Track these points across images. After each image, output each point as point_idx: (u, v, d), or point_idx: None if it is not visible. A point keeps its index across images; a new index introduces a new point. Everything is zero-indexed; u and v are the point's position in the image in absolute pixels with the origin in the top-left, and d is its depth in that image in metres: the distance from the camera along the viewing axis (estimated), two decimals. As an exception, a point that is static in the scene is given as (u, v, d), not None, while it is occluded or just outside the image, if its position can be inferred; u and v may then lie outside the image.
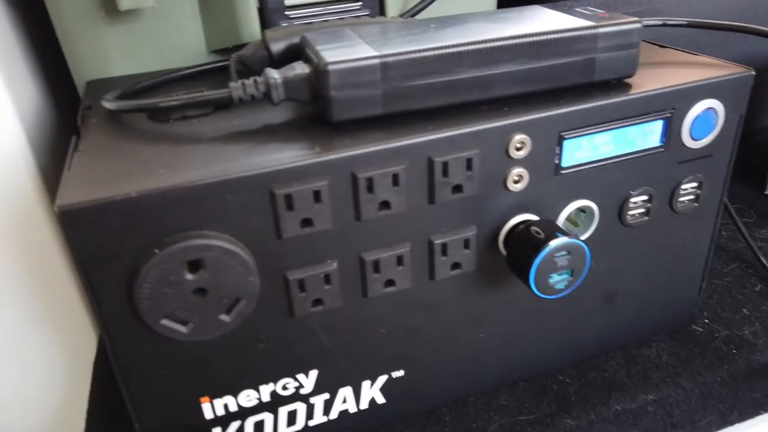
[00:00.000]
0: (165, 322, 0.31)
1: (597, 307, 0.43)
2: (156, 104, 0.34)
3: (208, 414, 0.35)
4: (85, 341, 0.51)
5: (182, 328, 0.31)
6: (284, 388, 0.37)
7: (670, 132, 0.38)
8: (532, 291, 0.35)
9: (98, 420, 0.44)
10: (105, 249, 0.29)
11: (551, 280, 0.35)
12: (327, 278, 0.34)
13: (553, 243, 0.34)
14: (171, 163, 0.31)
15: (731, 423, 0.48)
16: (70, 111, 0.61)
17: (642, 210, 0.40)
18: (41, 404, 0.52)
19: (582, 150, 0.36)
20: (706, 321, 0.50)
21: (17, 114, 0.43)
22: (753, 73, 0.39)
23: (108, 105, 0.36)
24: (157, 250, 0.29)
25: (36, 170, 0.45)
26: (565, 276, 0.35)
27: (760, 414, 0.48)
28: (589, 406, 0.43)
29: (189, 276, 0.30)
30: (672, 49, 0.44)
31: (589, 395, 0.44)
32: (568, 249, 0.34)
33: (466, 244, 0.36)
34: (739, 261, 0.57)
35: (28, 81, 0.49)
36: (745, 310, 0.51)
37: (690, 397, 0.45)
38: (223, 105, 0.38)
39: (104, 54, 0.46)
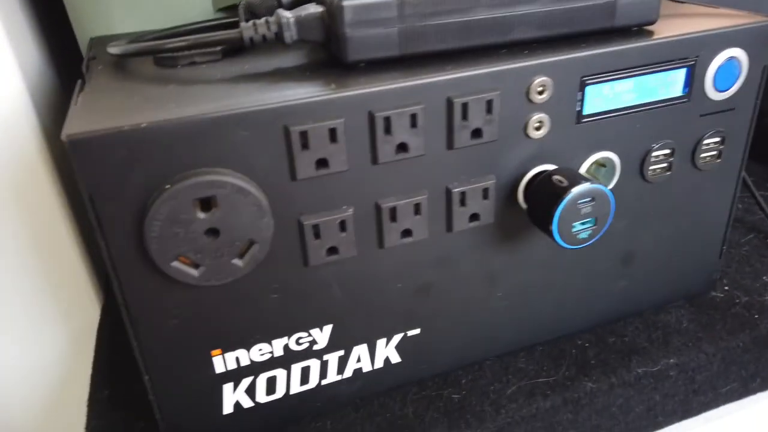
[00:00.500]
0: (176, 264, 0.30)
1: (615, 268, 0.42)
2: (163, 45, 0.33)
3: (219, 368, 0.34)
4: (89, 309, 0.50)
5: (194, 272, 0.30)
6: (298, 342, 0.36)
7: (693, 81, 0.37)
8: (555, 241, 0.34)
9: (102, 384, 0.43)
10: (114, 183, 0.27)
11: (574, 229, 0.34)
12: (342, 225, 0.33)
13: (577, 189, 0.33)
14: (181, 99, 0.30)
15: (753, 391, 0.46)
16: (70, 74, 0.60)
17: (663, 165, 0.39)
18: (46, 372, 0.51)
19: (604, 98, 0.35)
20: (726, 288, 0.49)
21: (21, 73, 0.42)
22: (777, 21, 0.38)
23: (113, 50, 0.35)
24: (167, 186, 0.28)
25: (39, 130, 0.44)
26: (588, 225, 0.34)
27: (783, 382, 0.47)
28: (609, 369, 0.42)
29: (201, 215, 0.29)
30: (691, 4, 0.43)
31: (609, 359, 0.43)
32: (592, 195, 0.33)
33: (485, 194, 0.35)
34: (756, 232, 0.56)
35: (29, 40, 0.48)
36: (765, 278, 0.49)
37: (712, 363, 0.43)
38: (233, 51, 0.37)
39: (108, 10, 0.45)
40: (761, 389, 0.46)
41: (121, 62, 0.37)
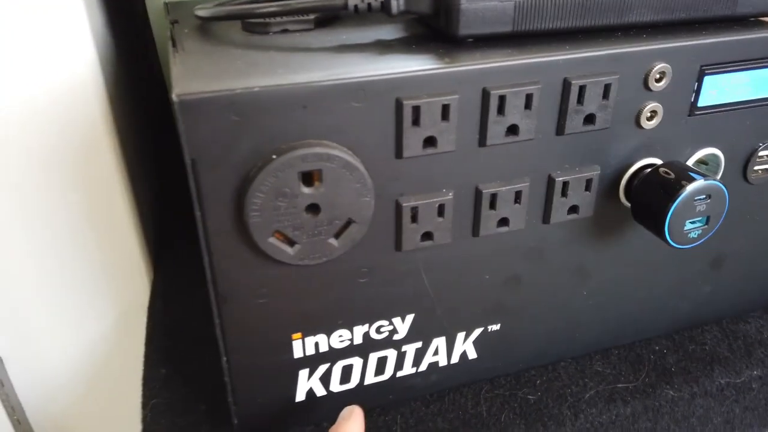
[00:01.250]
0: (273, 240, 0.28)
1: (704, 272, 0.40)
2: (256, 9, 0.31)
3: (298, 352, 0.32)
4: (139, 285, 0.49)
5: (289, 249, 0.28)
6: (378, 331, 0.34)
7: (810, 79, 0.35)
8: (665, 239, 0.32)
9: (158, 363, 0.41)
10: (219, 149, 0.26)
11: (686, 228, 0.32)
12: (441, 209, 0.31)
13: (695, 185, 0.31)
14: (288, 65, 0.28)
15: (832, 409, 0.44)
16: (130, 41, 0.58)
17: (767, 166, 0.37)
18: (94, 347, 0.49)
19: (719, 89, 0.33)
20: (807, 300, 0.46)
21: (93, 40, 0.40)
22: None
23: (202, 12, 0.33)
24: (274, 156, 0.26)
25: (105, 98, 0.42)
26: (699, 224, 0.32)
27: None
28: (691, 378, 0.40)
29: (305, 189, 0.27)
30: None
31: (690, 367, 0.41)
32: (709, 192, 0.31)
33: (588, 185, 0.33)
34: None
35: (95, 6, 0.46)
36: None
37: (796, 377, 0.41)
38: (325, 20, 0.35)
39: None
40: (841, 408, 0.44)
41: (206, 26, 0.35)
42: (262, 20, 0.33)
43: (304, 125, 0.26)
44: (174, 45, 0.32)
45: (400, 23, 0.35)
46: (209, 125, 0.25)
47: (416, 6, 0.31)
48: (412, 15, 0.32)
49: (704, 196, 0.31)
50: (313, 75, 0.26)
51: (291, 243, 0.28)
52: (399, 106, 0.27)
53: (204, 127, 0.25)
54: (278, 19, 0.33)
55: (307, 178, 0.27)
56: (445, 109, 0.28)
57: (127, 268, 0.48)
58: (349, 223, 0.29)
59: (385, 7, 0.31)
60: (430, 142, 0.29)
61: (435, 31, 0.32)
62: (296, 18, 0.34)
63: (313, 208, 0.28)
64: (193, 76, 0.26)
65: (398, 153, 0.28)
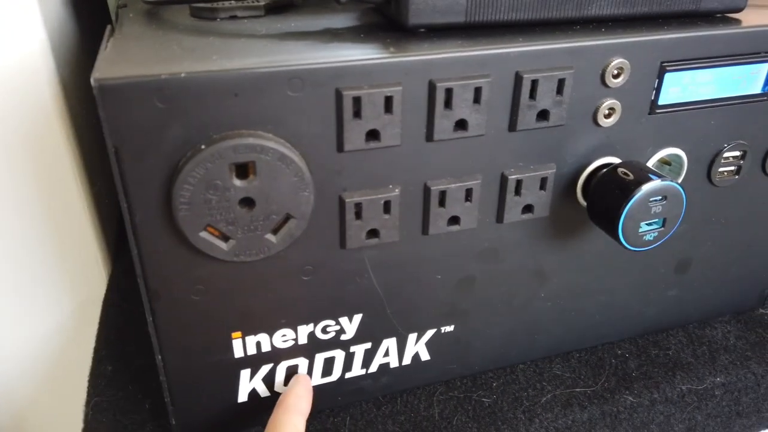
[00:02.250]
0: (204, 235, 0.27)
1: (668, 276, 0.39)
2: (206, -6, 0.30)
3: (239, 352, 0.31)
4: (96, 278, 0.47)
5: (223, 245, 0.27)
6: (324, 331, 0.33)
7: (777, 79, 0.34)
8: (618, 241, 0.31)
9: (106, 359, 0.40)
10: (144, 137, 0.24)
11: (641, 230, 0.31)
12: (387, 206, 0.29)
13: (650, 185, 0.30)
14: (224, 51, 0.26)
15: (798, 417, 0.43)
16: (93, 27, 0.57)
17: (732, 168, 0.36)
18: (48, 341, 0.48)
19: (681, 87, 0.32)
20: (775, 305, 0.46)
21: (43, 22, 0.39)
22: None
23: (149, -4, 0.32)
24: (203, 146, 0.25)
25: (57, 82, 0.40)
26: (656, 226, 0.31)
27: (830, 410, 0.44)
28: (652, 383, 0.39)
29: (237, 182, 0.26)
30: (773, -5, 0.40)
31: (652, 372, 0.40)
32: (665, 193, 0.30)
33: (543, 184, 0.32)
34: (805, 248, 0.52)
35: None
36: (817, 298, 0.46)
37: (760, 384, 0.40)
38: (276, 8, 0.33)
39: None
40: (806, 416, 0.43)
41: (155, 12, 0.34)
42: (209, 6, 0.32)
43: (237, 114, 0.25)
44: (111, 29, 0.30)
45: (356, 12, 0.34)
46: (133, 112, 0.24)
47: (366, -6, 0.30)
48: (365, 4, 0.31)
49: (660, 198, 0.30)
50: (246, 62, 0.25)
51: (225, 238, 0.27)
52: (339, 96, 0.26)
53: (127, 114, 0.24)
54: (227, 4, 0.32)
55: (242, 171, 0.26)
56: (388, 101, 0.27)
57: (84, 260, 0.47)
58: (287, 218, 0.28)
59: (334, -6, 0.29)
60: (373, 135, 0.27)
61: (389, 21, 0.31)
62: (246, 4, 0.32)
63: (248, 202, 0.26)
64: (119, 60, 0.25)
65: (339, 146, 0.27)
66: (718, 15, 0.33)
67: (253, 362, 0.32)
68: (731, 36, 0.32)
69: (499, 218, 0.32)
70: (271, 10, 0.33)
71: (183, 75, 0.24)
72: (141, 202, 0.25)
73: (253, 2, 0.33)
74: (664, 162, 0.35)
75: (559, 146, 0.31)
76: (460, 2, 0.29)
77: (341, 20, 0.32)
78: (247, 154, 0.25)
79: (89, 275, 0.47)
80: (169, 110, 0.24)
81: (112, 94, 0.23)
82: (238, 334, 0.31)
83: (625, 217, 0.30)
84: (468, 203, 0.31)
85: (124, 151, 0.24)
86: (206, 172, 0.25)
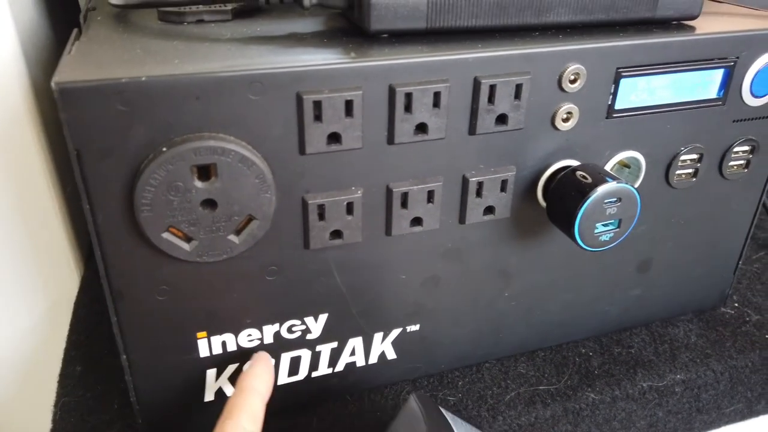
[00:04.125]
0: (167, 236, 0.27)
1: (630, 276, 0.40)
2: (171, -2, 0.31)
3: (204, 351, 0.32)
4: (68, 279, 0.47)
5: (185, 246, 0.27)
6: (290, 330, 0.33)
7: (730, 84, 0.35)
8: (575, 241, 0.31)
9: (76, 359, 0.40)
10: (105, 140, 0.25)
11: (596, 230, 0.31)
12: (349, 207, 0.30)
13: (604, 187, 0.30)
14: (187, 55, 0.27)
15: (757, 413, 0.45)
16: (67, 29, 0.57)
17: (690, 171, 0.37)
18: (19, 343, 0.48)
19: (638, 92, 0.33)
20: (736, 304, 0.47)
21: (14, 23, 0.39)
22: (823, 28, 0.35)
23: (116, 0, 0.32)
24: (165, 148, 0.25)
25: (28, 84, 0.41)
26: (611, 227, 0.32)
27: (788, 406, 0.45)
28: (613, 381, 0.40)
29: (198, 183, 0.26)
30: (732, 4, 0.41)
31: (614, 370, 0.40)
32: (619, 195, 0.31)
33: (503, 186, 0.33)
34: (767, 249, 0.54)
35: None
36: (776, 297, 0.48)
37: (719, 381, 0.41)
38: (244, 12, 0.34)
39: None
40: (765, 411, 0.45)
41: (123, 15, 0.34)
42: (177, 9, 0.33)
43: (199, 117, 0.26)
44: (78, 32, 0.31)
45: (322, 17, 0.34)
46: (94, 115, 0.24)
47: (329, 0, 0.30)
48: (331, 9, 0.31)
49: (615, 199, 0.31)
50: (207, 66, 0.25)
51: (188, 239, 0.27)
52: (300, 100, 0.27)
53: (88, 117, 0.24)
54: (194, 8, 0.33)
55: (204, 173, 0.26)
56: (349, 104, 0.27)
57: (56, 262, 0.47)
58: (249, 219, 0.28)
59: (298, 0, 0.30)
60: (334, 138, 0.28)
61: (353, 26, 0.32)
62: (213, 8, 0.33)
63: (210, 204, 0.27)
64: (82, 63, 0.25)
65: (301, 149, 0.28)
66: (674, 22, 0.34)
67: (219, 362, 0.32)
68: (685, 43, 0.33)
69: (462, 219, 0.33)
70: (239, 14, 0.34)
71: (144, 78, 0.24)
72: (103, 204, 0.26)
73: (220, 7, 0.33)
74: (623, 165, 0.36)
75: (519, 149, 0.32)
76: (421, 9, 0.29)
77: (307, 25, 0.33)
78: (208, 156, 0.26)
79: (61, 277, 0.47)
80: (130, 113, 0.24)
81: (73, 97, 0.24)
82: (204, 333, 0.31)
83: (580, 218, 0.30)
84: (430, 205, 0.32)
85: (85, 153, 0.25)
86: (167, 174, 0.25)
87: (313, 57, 0.27)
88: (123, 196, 0.26)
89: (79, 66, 0.25)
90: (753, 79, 0.35)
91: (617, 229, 0.32)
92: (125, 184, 0.26)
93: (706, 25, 0.34)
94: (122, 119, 0.24)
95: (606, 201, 0.31)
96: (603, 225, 0.32)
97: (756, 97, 0.36)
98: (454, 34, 0.31)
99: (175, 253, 0.27)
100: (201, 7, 0.33)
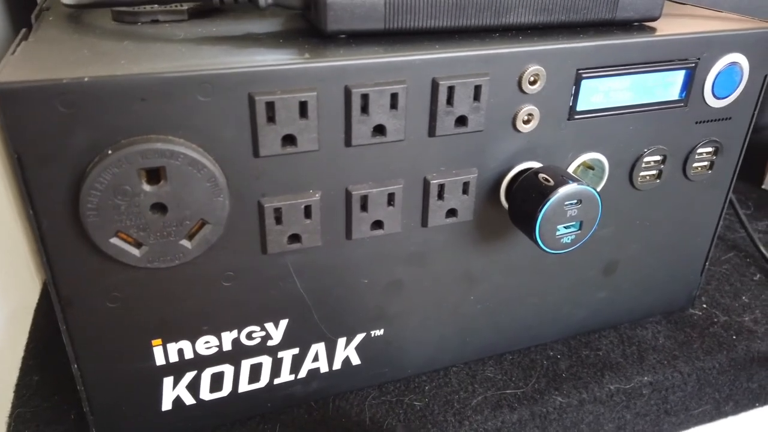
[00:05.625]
0: (115, 241, 0.26)
1: (596, 278, 0.40)
2: (123, -3, 0.30)
3: (160, 359, 0.31)
4: (28, 286, 0.46)
5: (135, 251, 0.27)
6: (249, 337, 0.32)
7: (692, 85, 0.35)
8: (536, 243, 0.31)
9: (33, 369, 0.39)
10: (48, 143, 0.24)
11: (558, 233, 0.31)
12: (307, 211, 0.30)
13: (564, 189, 0.30)
14: (136, 55, 0.26)
15: (725, 414, 0.45)
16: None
17: (654, 172, 0.37)
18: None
19: (599, 94, 0.33)
20: (704, 306, 0.47)
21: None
22: (783, 29, 0.36)
23: (68, 0, 0.31)
24: (110, 151, 0.24)
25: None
26: (573, 229, 0.32)
27: (756, 407, 0.45)
28: (581, 384, 0.39)
29: (146, 187, 0.25)
30: (694, 5, 0.41)
31: (581, 373, 0.40)
32: (580, 197, 0.31)
33: (465, 188, 0.32)
34: (736, 250, 0.54)
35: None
36: (744, 298, 0.48)
37: (686, 383, 0.41)
38: (200, 12, 0.33)
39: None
40: (734, 413, 0.45)
41: (77, 15, 0.33)
42: (130, 10, 0.32)
43: (146, 119, 0.25)
44: (27, 32, 0.30)
45: (281, 18, 0.34)
46: (35, 117, 0.23)
47: (286, 0, 0.30)
48: (290, 9, 0.31)
49: (575, 201, 0.31)
50: (155, 66, 0.25)
51: (138, 244, 0.27)
52: (252, 101, 0.26)
53: (29, 120, 0.23)
54: (149, 8, 0.32)
55: (153, 175, 0.26)
56: (303, 106, 0.27)
57: (16, 268, 0.46)
58: (202, 223, 0.27)
59: (253, 0, 0.29)
60: (289, 140, 0.28)
61: (312, 27, 0.31)
62: (168, 8, 0.32)
63: (160, 208, 0.26)
64: (24, 64, 0.25)
65: (255, 151, 0.27)
66: (635, 24, 0.34)
67: (176, 370, 0.32)
68: (646, 44, 0.33)
69: (424, 222, 0.33)
70: (196, 14, 0.33)
71: (86, 79, 0.23)
72: (47, 209, 0.25)
73: (176, 6, 0.33)
74: (588, 166, 0.36)
75: (481, 151, 0.32)
76: (379, 9, 0.29)
77: (264, 25, 0.32)
78: (155, 160, 0.25)
79: (21, 283, 0.46)
80: (73, 115, 0.24)
81: (12, 98, 0.23)
82: (159, 341, 0.30)
83: (541, 220, 0.30)
84: (391, 208, 0.31)
85: (26, 157, 0.24)
86: (113, 178, 0.25)
87: (266, 57, 0.27)
88: (68, 201, 0.25)
89: (20, 67, 0.24)
90: (715, 81, 0.35)
91: (579, 231, 0.32)
92: (70, 188, 0.25)
93: (668, 27, 0.34)
94: (64, 121, 0.24)
95: (567, 203, 0.30)
96: (564, 227, 0.31)
97: (718, 98, 0.36)
98: (413, 35, 0.30)
99: (125, 259, 0.27)
100: (156, 7, 0.32)
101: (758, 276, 0.51)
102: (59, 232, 0.26)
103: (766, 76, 0.37)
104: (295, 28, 0.32)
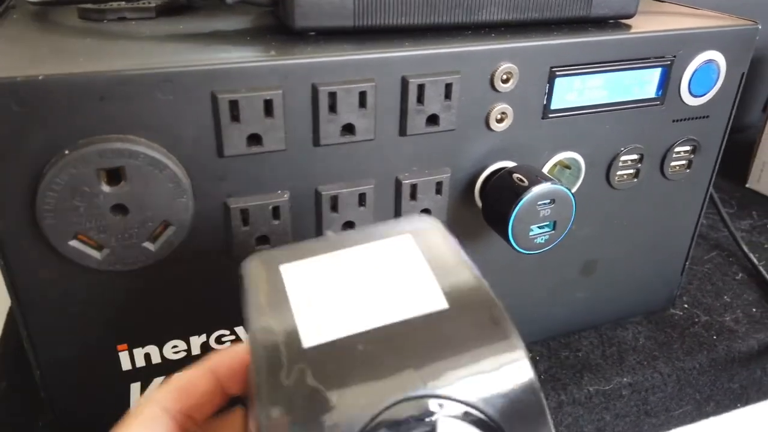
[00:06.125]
0: (75, 243, 0.25)
1: (574, 278, 0.40)
2: (86, -6, 0.29)
3: (126, 364, 0.30)
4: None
5: (96, 254, 0.26)
6: (219, 341, 0.32)
7: (668, 83, 0.34)
8: (510, 243, 0.31)
9: (2, 374, 0.38)
10: (2, 142, 0.23)
11: (531, 233, 0.31)
12: (276, 211, 0.29)
13: (537, 188, 0.30)
14: (95, 53, 0.26)
15: (706, 415, 0.44)
16: None
17: (631, 171, 0.37)
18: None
19: (573, 92, 0.32)
20: (686, 305, 0.47)
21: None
22: (759, 26, 0.35)
23: (31, -3, 0.31)
24: (67, 151, 0.24)
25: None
26: (546, 229, 0.31)
27: (737, 407, 0.45)
28: (559, 385, 0.39)
29: (106, 188, 0.25)
30: (671, 3, 0.41)
31: (560, 375, 0.40)
32: (553, 196, 0.30)
33: (438, 188, 0.32)
34: (719, 249, 0.54)
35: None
36: (726, 297, 0.48)
37: (666, 384, 0.41)
38: (169, 9, 0.33)
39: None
40: (715, 413, 0.44)
41: (43, 13, 0.33)
42: (97, 7, 0.31)
43: (105, 118, 0.24)
44: (-13, 30, 0.29)
45: (251, 15, 0.33)
46: (-13, 117, 0.23)
47: (253, -4, 0.29)
48: (259, 6, 0.30)
49: (548, 201, 0.30)
50: (114, 63, 0.24)
51: (99, 247, 0.26)
52: (215, 100, 0.25)
53: (-19, 119, 0.23)
54: (115, 5, 0.31)
55: (113, 176, 0.25)
56: (268, 104, 0.26)
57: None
58: (166, 225, 0.27)
59: (220, -3, 0.29)
60: (255, 140, 0.27)
61: (282, 24, 0.31)
62: (136, 5, 0.32)
63: (121, 209, 0.26)
64: (-23, 62, 0.24)
65: (220, 151, 0.27)
66: (610, 21, 0.34)
67: (144, 375, 0.31)
68: (620, 41, 0.32)
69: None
70: (163, 12, 0.32)
71: (41, 77, 0.23)
72: (4, 211, 0.24)
73: (144, 3, 0.32)
74: (564, 166, 0.35)
75: (454, 150, 0.31)
76: (348, 6, 0.28)
77: (233, 23, 0.31)
78: (114, 159, 0.24)
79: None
80: (28, 114, 0.23)
81: (-38, 97, 0.22)
82: (125, 346, 0.30)
83: (514, 220, 0.30)
84: (362, 208, 0.31)
85: (-21, 157, 0.23)
86: (71, 178, 0.24)
87: (230, 55, 0.26)
88: (25, 203, 0.24)
89: (-27, 65, 0.24)
90: (691, 79, 0.35)
91: (552, 232, 0.31)
92: (27, 189, 0.24)
93: (643, 24, 0.34)
94: (19, 120, 0.23)
95: (540, 203, 0.30)
96: (538, 227, 0.31)
97: (695, 96, 0.36)
98: (383, 33, 0.30)
99: (86, 262, 0.26)
100: (122, 4, 0.31)
101: (740, 275, 0.50)
102: (17, 235, 0.25)
103: (743, 74, 0.36)
104: (264, 25, 0.31)
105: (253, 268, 0.20)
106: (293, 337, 0.17)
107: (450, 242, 0.21)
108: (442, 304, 0.18)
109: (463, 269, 0.20)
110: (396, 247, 0.20)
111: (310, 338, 0.17)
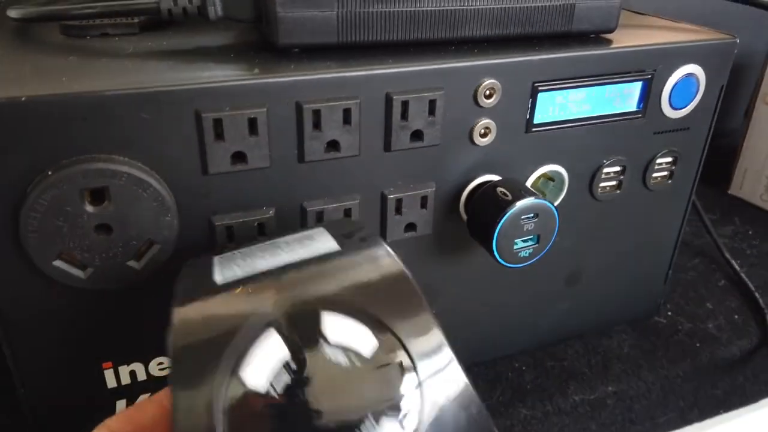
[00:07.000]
0: (59, 263, 0.25)
1: (559, 289, 0.40)
2: (69, 11, 0.29)
3: (111, 382, 0.30)
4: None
5: (80, 273, 0.26)
6: (205, 357, 0.32)
7: (649, 97, 0.35)
8: (494, 257, 0.31)
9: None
10: (-17, 164, 0.23)
11: (515, 246, 0.31)
12: (261, 228, 0.29)
13: (520, 203, 0.30)
14: (78, 72, 0.26)
15: (690, 422, 0.45)
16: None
17: (613, 183, 0.37)
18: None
19: (556, 107, 0.33)
20: (670, 313, 0.47)
21: None
22: (737, 40, 0.36)
23: (13, 13, 0.31)
24: (50, 172, 0.24)
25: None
26: (530, 243, 0.31)
27: (720, 413, 0.45)
28: (545, 395, 0.39)
29: (89, 208, 0.25)
30: (653, 16, 0.41)
31: (546, 384, 0.40)
32: (536, 211, 0.31)
33: (424, 202, 0.32)
34: (702, 256, 0.55)
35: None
36: (708, 305, 0.48)
37: (651, 392, 0.42)
38: (152, 25, 0.33)
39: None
40: (699, 420, 0.45)
41: (25, 29, 0.33)
42: (79, 23, 0.31)
43: (88, 139, 0.24)
44: (-32, 48, 0.29)
45: (235, 31, 0.33)
46: (-32, 138, 0.23)
47: (237, 12, 0.29)
48: (243, 22, 0.30)
49: (532, 215, 0.31)
50: (97, 83, 0.24)
51: (83, 266, 0.26)
52: (199, 118, 0.25)
53: (-38, 141, 0.23)
54: (98, 22, 0.31)
55: (97, 196, 0.25)
56: (252, 123, 0.26)
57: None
58: (150, 244, 0.27)
59: (203, 13, 0.29)
60: (239, 157, 0.27)
61: (264, 40, 0.31)
62: (118, 21, 0.32)
63: (105, 228, 0.25)
64: (-42, 83, 0.24)
65: (204, 169, 0.27)
66: (591, 36, 0.34)
67: (129, 392, 0.31)
68: (602, 56, 0.33)
69: (383, 237, 0.32)
70: (146, 27, 0.32)
71: (23, 99, 0.23)
72: (-15, 232, 0.24)
73: (127, 20, 0.32)
74: (548, 178, 0.36)
75: (438, 165, 0.32)
76: (332, 23, 0.29)
77: (217, 39, 0.32)
78: (98, 179, 0.24)
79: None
80: (10, 136, 0.23)
81: (-57, 119, 0.22)
82: (109, 364, 0.30)
83: (498, 234, 0.30)
84: (347, 223, 0.31)
85: (-39, 179, 0.23)
86: (54, 199, 0.24)
87: (214, 73, 0.26)
88: (8, 223, 0.24)
89: (-46, 86, 0.23)
90: (671, 92, 0.35)
91: (536, 245, 0.32)
92: (10, 210, 0.24)
93: (624, 38, 0.34)
94: (1, 141, 0.23)
95: (523, 217, 0.30)
96: (522, 241, 0.31)
97: (675, 109, 0.36)
98: (367, 49, 0.30)
99: (70, 281, 0.26)
100: (105, 21, 0.31)
101: (723, 282, 0.51)
102: (1, 255, 0.25)
103: (722, 87, 0.37)
104: (247, 41, 0.31)
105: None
106: None
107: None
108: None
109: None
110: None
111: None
